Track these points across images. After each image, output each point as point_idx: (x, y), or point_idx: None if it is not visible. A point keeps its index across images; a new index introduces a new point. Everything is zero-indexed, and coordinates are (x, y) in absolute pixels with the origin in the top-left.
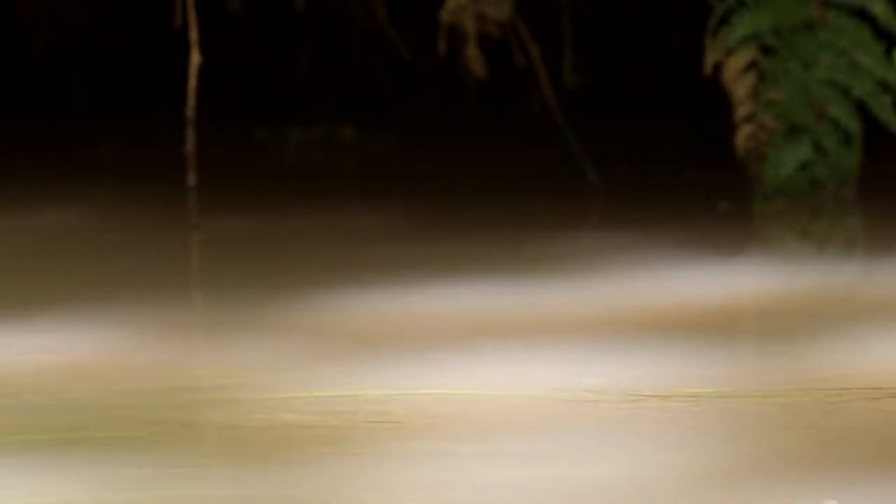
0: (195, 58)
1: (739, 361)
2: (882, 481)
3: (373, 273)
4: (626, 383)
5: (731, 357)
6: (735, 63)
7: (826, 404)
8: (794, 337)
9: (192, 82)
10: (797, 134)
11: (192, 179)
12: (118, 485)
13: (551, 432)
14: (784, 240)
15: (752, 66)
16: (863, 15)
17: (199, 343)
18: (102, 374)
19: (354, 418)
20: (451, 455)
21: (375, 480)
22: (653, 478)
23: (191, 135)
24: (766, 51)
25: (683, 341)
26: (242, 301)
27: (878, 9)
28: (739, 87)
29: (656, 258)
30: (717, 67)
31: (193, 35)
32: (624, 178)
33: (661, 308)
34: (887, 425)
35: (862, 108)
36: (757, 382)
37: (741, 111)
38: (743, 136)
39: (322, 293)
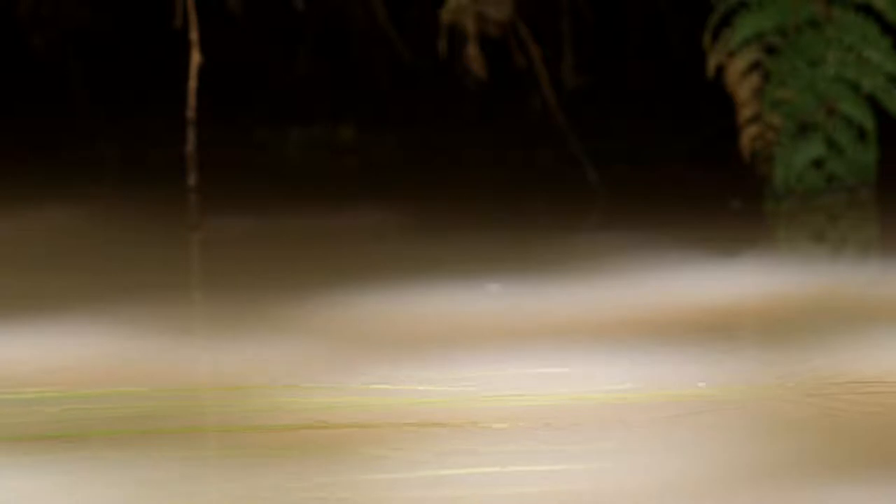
0: (195, 58)
1: (748, 362)
2: (891, 482)
3: (373, 273)
4: (632, 384)
5: (739, 356)
6: (738, 64)
7: (841, 404)
8: (804, 337)
9: (193, 82)
10: (807, 132)
11: (192, 179)
12: (118, 485)
13: (561, 433)
14: (795, 240)
15: (755, 66)
16: (868, 10)
17: (198, 343)
18: (102, 374)
19: (355, 418)
20: (454, 456)
21: (378, 481)
22: (671, 479)
23: (191, 135)
24: (770, 50)
25: (688, 341)
26: (242, 301)
27: (882, 4)
28: (743, 88)
29: (658, 258)
30: (719, 69)
31: (193, 35)
32: (624, 178)
33: (664, 308)
34: None
35: (877, 107)
36: (764, 382)
37: (745, 112)
38: (748, 138)
39: (322, 293)
